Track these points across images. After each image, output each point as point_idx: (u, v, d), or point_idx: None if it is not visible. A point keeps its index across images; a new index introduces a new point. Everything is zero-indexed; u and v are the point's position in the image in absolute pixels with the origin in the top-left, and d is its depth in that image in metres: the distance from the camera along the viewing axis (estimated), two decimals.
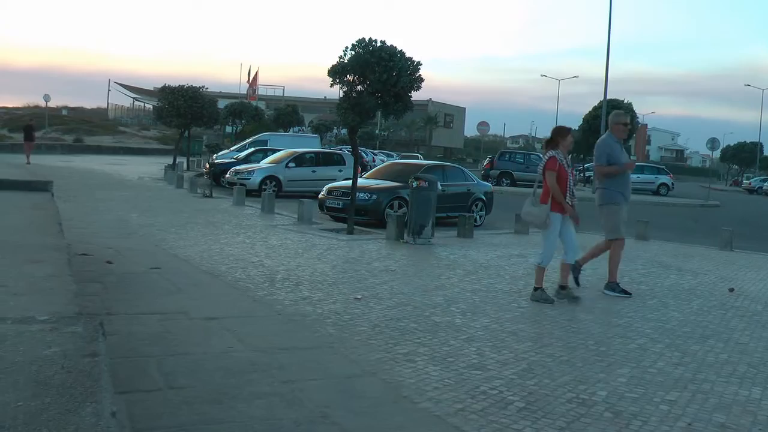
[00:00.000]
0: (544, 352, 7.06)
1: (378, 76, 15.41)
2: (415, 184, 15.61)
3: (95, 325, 2.82)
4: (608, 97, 46.21)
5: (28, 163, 34.45)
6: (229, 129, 59.51)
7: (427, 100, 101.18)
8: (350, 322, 7.75)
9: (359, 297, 9.14)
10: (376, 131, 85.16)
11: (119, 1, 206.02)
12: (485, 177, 40.10)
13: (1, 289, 3.92)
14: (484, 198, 21.55)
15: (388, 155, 59.98)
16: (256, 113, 58.97)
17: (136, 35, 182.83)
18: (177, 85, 38.18)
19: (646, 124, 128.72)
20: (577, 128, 50.48)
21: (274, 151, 32.01)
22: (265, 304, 8.47)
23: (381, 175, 20.94)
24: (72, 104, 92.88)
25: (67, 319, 2.99)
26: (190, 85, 38.32)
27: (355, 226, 16.47)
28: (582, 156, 53.24)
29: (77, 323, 2.88)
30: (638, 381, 6.28)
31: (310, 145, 38.61)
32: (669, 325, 8.67)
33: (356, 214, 17.10)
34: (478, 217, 20.64)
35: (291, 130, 64.31)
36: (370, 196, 18.76)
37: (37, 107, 79.81)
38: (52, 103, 73.87)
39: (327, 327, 7.50)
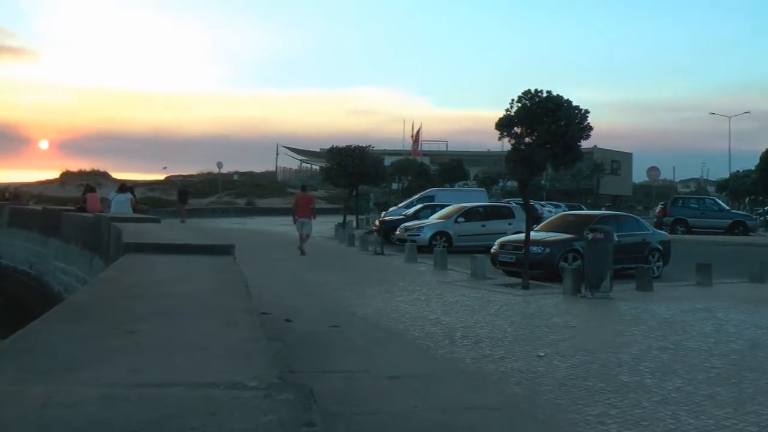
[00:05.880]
0: (748, 420, 6.55)
1: (546, 127, 15.19)
2: (590, 236, 15.19)
3: (306, 393, 2.81)
4: None
5: (184, 221, 37.51)
6: (395, 186, 60.32)
7: (592, 147, 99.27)
8: (535, 381, 7.54)
9: (542, 354, 8.90)
10: (542, 182, 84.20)
11: (282, 69, 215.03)
12: (658, 225, 38.63)
13: (203, 353, 4.01)
14: (660, 248, 20.72)
15: (556, 206, 59.02)
16: (422, 169, 59.53)
17: (300, 101, 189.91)
18: (344, 146, 39.14)
19: None
20: (753, 168, 48.02)
21: (442, 206, 32.10)
22: (446, 363, 8.39)
23: (553, 227, 20.56)
24: (242, 169, 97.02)
25: (277, 385, 3.01)
26: (356, 145, 39.19)
27: (529, 281, 16.16)
28: (761, 198, 50.26)
29: (288, 390, 2.89)
30: None
31: (477, 199, 38.50)
32: None
33: (530, 268, 16.78)
34: (655, 268, 19.81)
35: (456, 184, 64.48)
36: (544, 249, 18.42)
37: (210, 173, 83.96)
38: (223, 169, 77.54)
39: (512, 386, 7.32)
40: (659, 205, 52.42)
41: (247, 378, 3.21)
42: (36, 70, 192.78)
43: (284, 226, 36.24)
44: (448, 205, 31.42)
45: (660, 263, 20.43)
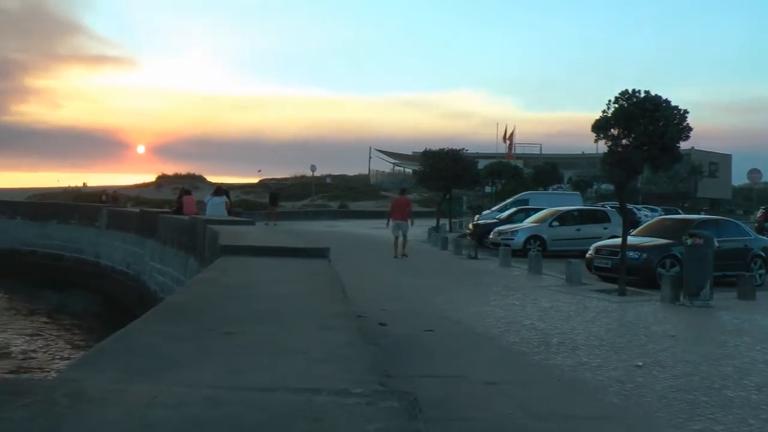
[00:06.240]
0: None
1: (644, 128, 14.87)
2: (689, 242, 14.80)
3: (411, 401, 2.82)
4: None
5: (275, 224, 38.33)
6: (488, 189, 59.96)
7: (690, 149, 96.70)
8: (634, 392, 7.39)
9: (640, 364, 8.72)
10: (638, 185, 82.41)
11: (375, 73, 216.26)
12: (760, 230, 37.35)
13: (303, 356, 4.05)
14: (763, 254, 20.02)
15: (652, 210, 57.64)
16: (515, 172, 59.01)
17: (394, 105, 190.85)
18: (438, 149, 39.11)
19: None
20: None
21: (536, 210, 31.78)
22: (542, 369, 8.31)
23: (650, 232, 20.11)
24: (335, 172, 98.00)
25: (381, 392, 3.03)
26: (450, 148, 39.13)
27: (626, 287, 15.85)
28: None
29: (392, 398, 2.91)
30: None
31: (571, 202, 37.95)
32: None
33: (626, 273, 16.46)
34: (758, 275, 19.16)
35: (550, 187, 63.69)
36: (640, 255, 18.02)
37: (303, 176, 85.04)
38: (317, 172, 78.47)
39: (610, 395, 7.20)
40: (760, 210, 50.62)
41: (349, 384, 3.23)
42: (135, 77, 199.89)
43: (376, 229, 36.48)
44: (542, 209, 31.07)
45: (762, 271, 19.75)
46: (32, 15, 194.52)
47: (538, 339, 10.13)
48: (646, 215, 49.40)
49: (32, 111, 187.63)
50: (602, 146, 16.24)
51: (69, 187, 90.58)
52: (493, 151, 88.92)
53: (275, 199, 49.14)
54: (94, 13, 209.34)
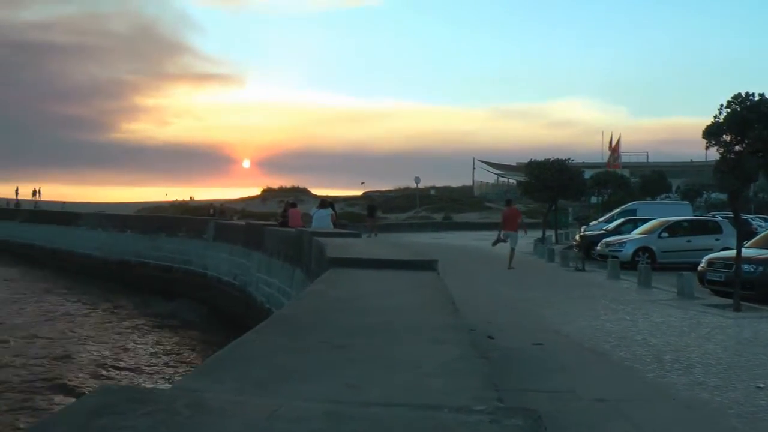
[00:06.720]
0: None
1: (758, 133, 14.31)
2: None
3: (536, 419, 2.78)
4: None
5: (375, 235, 38.57)
6: (594, 199, 58.98)
7: None
8: (756, 416, 7.06)
9: (762, 386, 8.33)
10: (750, 193, 79.60)
11: (478, 84, 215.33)
12: None
13: (416, 370, 4.03)
14: None
15: (766, 220, 55.58)
16: (622, 182, 57.87)
17: (496, 115, 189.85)
18: (543, 159, 38.72)
19: None
20: None
21: (644, 220, 31.08)
22: (656, 387, 8.08)
23: (766, 244, 19.36)
24: (439, 184, 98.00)
25: (504, 409, 2.99)
26: (555, 158, 38.69)
27: (741, 302, 15.28)
28: None
29: (517, 415, 2.86)
30: None
31: (680, 212, 36.92)
32: None
33: (741, 287, 15.86)
34: None
35: (658, 197, 62.21)
36: (756, 268, 17.34)
37: (407, 188, 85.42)
38: (420, 184, 78.69)
39: (730, 419, 6.91)
40: None
41: (467, 399, 3.20)
42: (240, 93, 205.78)
43: (481, 240, 36.30)
44: (650, 219, 30.37)
45: None
46: (142, 38, 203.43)
47: (650, 355, 9.85)
48: (759, 225, 47.65)
49: (142, 128, 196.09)
50: (713, 153, 15.75)
51: (176, 201, 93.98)
52: (598, 160, 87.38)
53: (373, 211, 49.93)
54: (200, 33, 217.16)
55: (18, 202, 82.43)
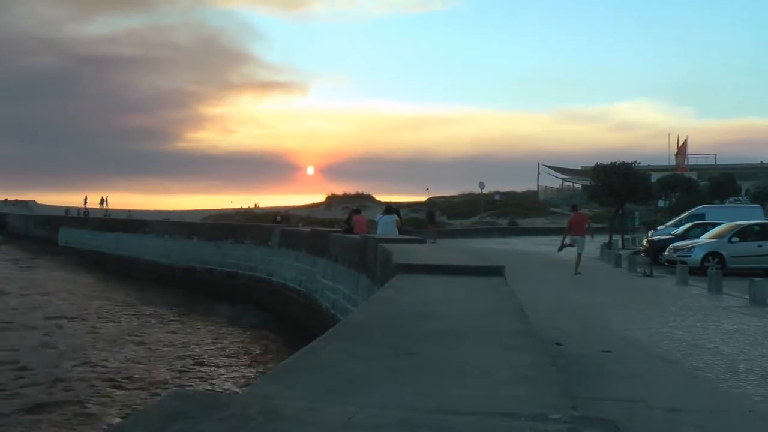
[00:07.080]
0: None
1: None
2: None
3: (613, 429, 2.77)
4: None
5: (434, 241, 37.84)
6: (661, 203, 58.05)
7: None
8: None
9: None
10: None
11: (541, 87, 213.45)
12: None
13: (488, 377, 4.01)
14: None
15: None
16: (689, 185, 56.81)
17: (561, 119, 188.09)
18: (609, 163, 38.25)
19: None
20: None
21: (713, 224, 30.50)
22: (730, 398, 7.90)
23: None
24: (503, 189, 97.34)
25: (582, 419, 2.97)
26: (621, 161, 38.19)
27: None
28: None
29: (595, 426, 2.85)
30: None
31: (751, 216, 36.02)
32: None
33: None
34: None
35: (727, 200, 60.90)
36: None
37: (471, 194, 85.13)
38: (485, 189, 78.37)
39: None
40: None
41: (542, 407, 3.18)
42: (303, 101, 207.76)
43: (546, 246, 36.00)
44: (719, 224, 29.77)
45: None
46: (206, 49, 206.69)
47: (723, 364, 9.63)
48: None
49: (207, 137, 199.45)
50: None
51: (241, 208, 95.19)
52: (664, 163, 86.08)
53: (432, 216, 51.24)
54: (263, 42, 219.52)
55: (87, 211, 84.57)
